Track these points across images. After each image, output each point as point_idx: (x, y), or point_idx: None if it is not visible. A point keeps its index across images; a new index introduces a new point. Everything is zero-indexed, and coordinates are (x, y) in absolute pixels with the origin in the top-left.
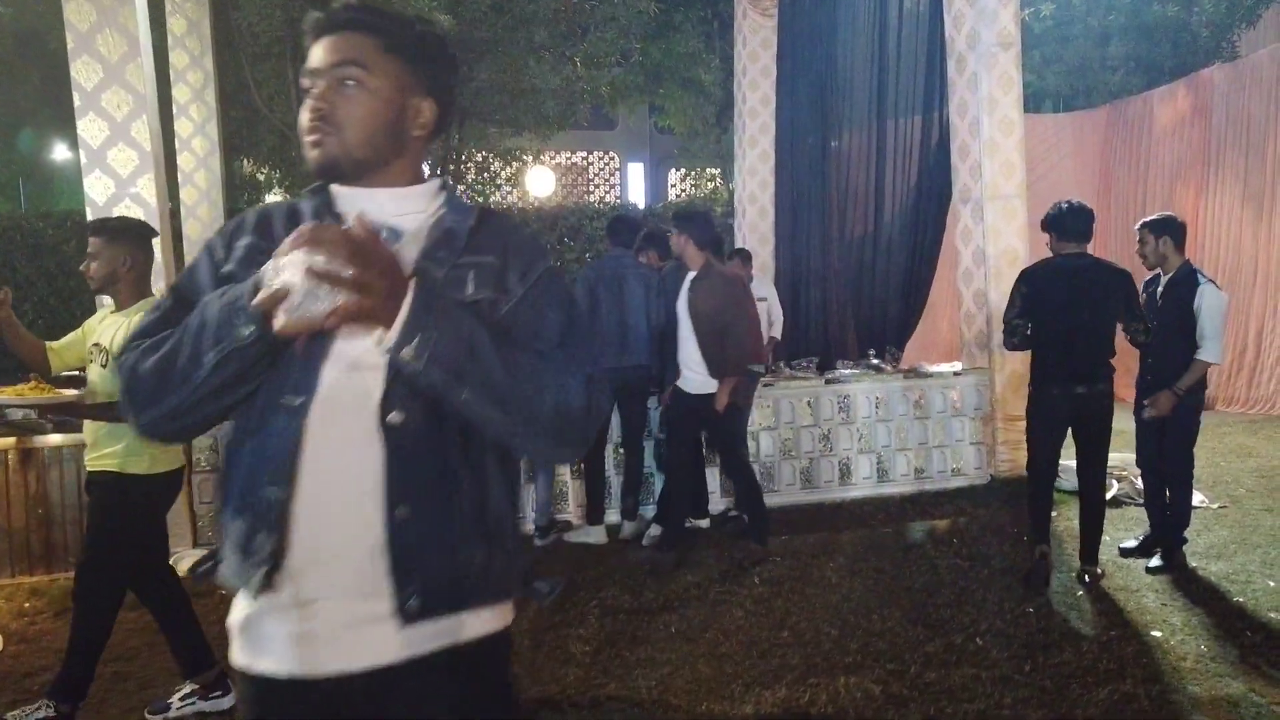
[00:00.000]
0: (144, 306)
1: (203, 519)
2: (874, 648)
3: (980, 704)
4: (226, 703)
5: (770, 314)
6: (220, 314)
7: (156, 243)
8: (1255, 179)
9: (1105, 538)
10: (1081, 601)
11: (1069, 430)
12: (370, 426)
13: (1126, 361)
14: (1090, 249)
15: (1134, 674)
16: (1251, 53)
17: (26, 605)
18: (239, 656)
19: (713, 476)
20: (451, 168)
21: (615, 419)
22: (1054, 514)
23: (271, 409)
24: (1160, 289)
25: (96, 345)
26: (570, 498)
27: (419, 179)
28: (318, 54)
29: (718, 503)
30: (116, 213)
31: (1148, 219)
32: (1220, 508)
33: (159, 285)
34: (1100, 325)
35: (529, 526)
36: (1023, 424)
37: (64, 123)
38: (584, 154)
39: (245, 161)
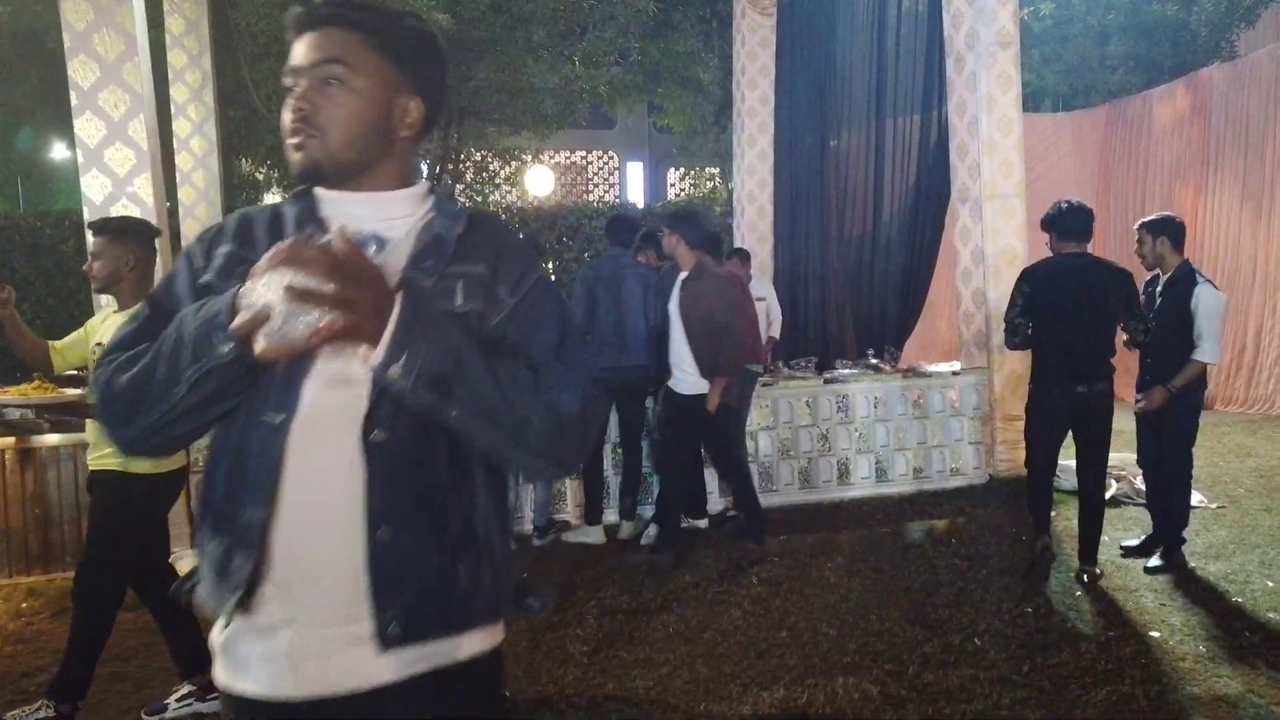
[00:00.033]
0: None
1: None
2: (872, 648)
3: (978, 705)
4: None
5: (769, 313)
6: (197, 331)
7: (158, 242)
8: (1254, 178)
9: (1104, 537)
10: (1080, 601)
11: (1068, 430)
12: (353, 445)
13: (1126, 361)
14: (1090, 248)
15: (1132, 674)
16: (1250, 52)
17: (24, 605)
18: (220, 675)
19: (711, 477)
20: (450, 167)
21: (613, 419)
22: (1053, 514)
23: (251, 426)
24: (1159, 288)
25: (99, 345)
26: (568, 497)
27: (407, 181)
28: (300, 51)
29: (716, 503)
30: (113, 212)
31: (1145, 219)
32: (1219, 508)
33: None
34: (1100, 325)
35: (527, 526)
36: (1021, 424)
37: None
38: (583, 153)
39: (243, 161)
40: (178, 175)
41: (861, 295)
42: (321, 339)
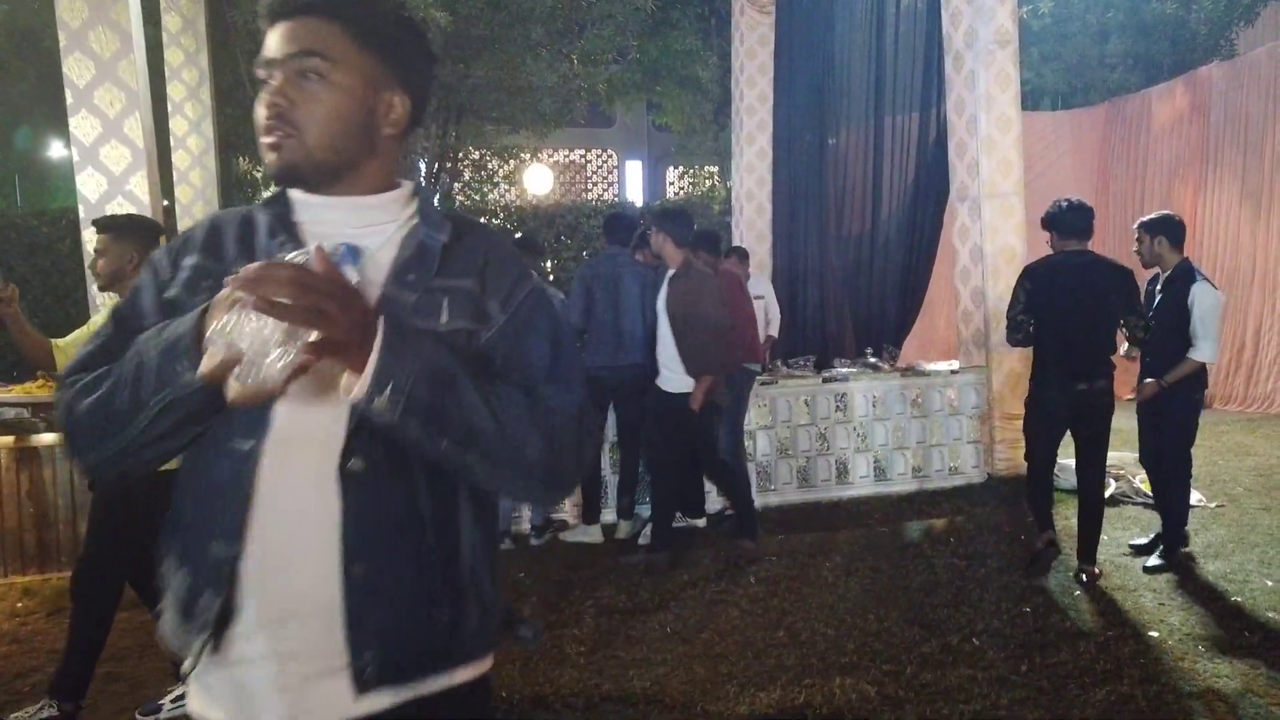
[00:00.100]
0: None
1: None
2: (870, 648)
3: (976, 705)
4: None
5: (767, 312)
6: (160, 358)
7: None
8: (1253, 177)
9: (1103, 536)
10: (1079, 601)
11: (1068, 427)
12: (328, 473)
13: (1127, 361)
14: (1090, 246)
15: (1131, 674)
16: (1249, 51)
17: (19, 605)
18: (193, 703)
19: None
20: (448, 166)
21: (611, 418)
22: (1052, 512)
23: (218, 453)
24: (1158, 286)
25: None
26: None
27: (390, 183)
28: (274, 41)
29: (715, 502)
30: (109, 210)
31: (1144, 219)
32: (1218, 506)
33: None
34: (1101, 322)
35: (525, 525)
36: (1020, 422)
37: (59, 120)
38: (582, 152)
39: (241, 159)
40: (175, 174)
41: (860, 294)
42: (299, 375)
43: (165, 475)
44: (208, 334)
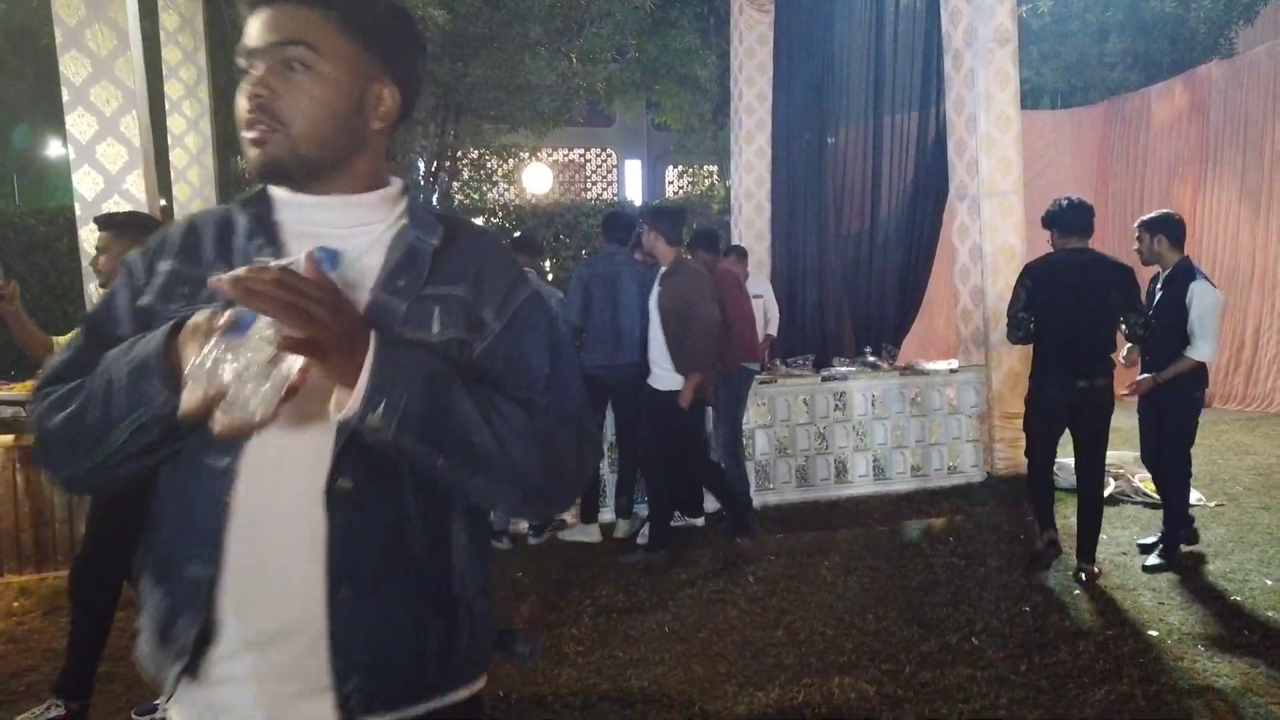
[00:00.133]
0: None
1: None
2: (869, 647)
3: (976, 704)
4: None
5: (766, 311)
6: (130, 378)
7: None
8: (1252, 176)
9: (1103, 535)
10: (1078, 600)
11: (1068, 425)
12: (312, 493)
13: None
14: (1091, 244)
15: (1131, 673)
16: (1249, 49)
17: (15, 604)
18: (174, 718)
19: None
20: (447, 164)
21: (609, 417)
22: (1053, 511)
23: (192, 470)
24: (1158, 285)
25: None
26: None
27: (378, 181)
28: (256, 29)
29: (713, 501)
30: (105, 208)
31: (1144, 217)
32: (1217, 506)
33: None
34: (1101, 320)
35: (523, 525)
36: (1019, 422)
37: (57, 119)
38: (581, 151)
39: (239, 158)
40: (172, 172)
41: (859, 293)
42: (289, 398)
43: None
44: (186, 369)
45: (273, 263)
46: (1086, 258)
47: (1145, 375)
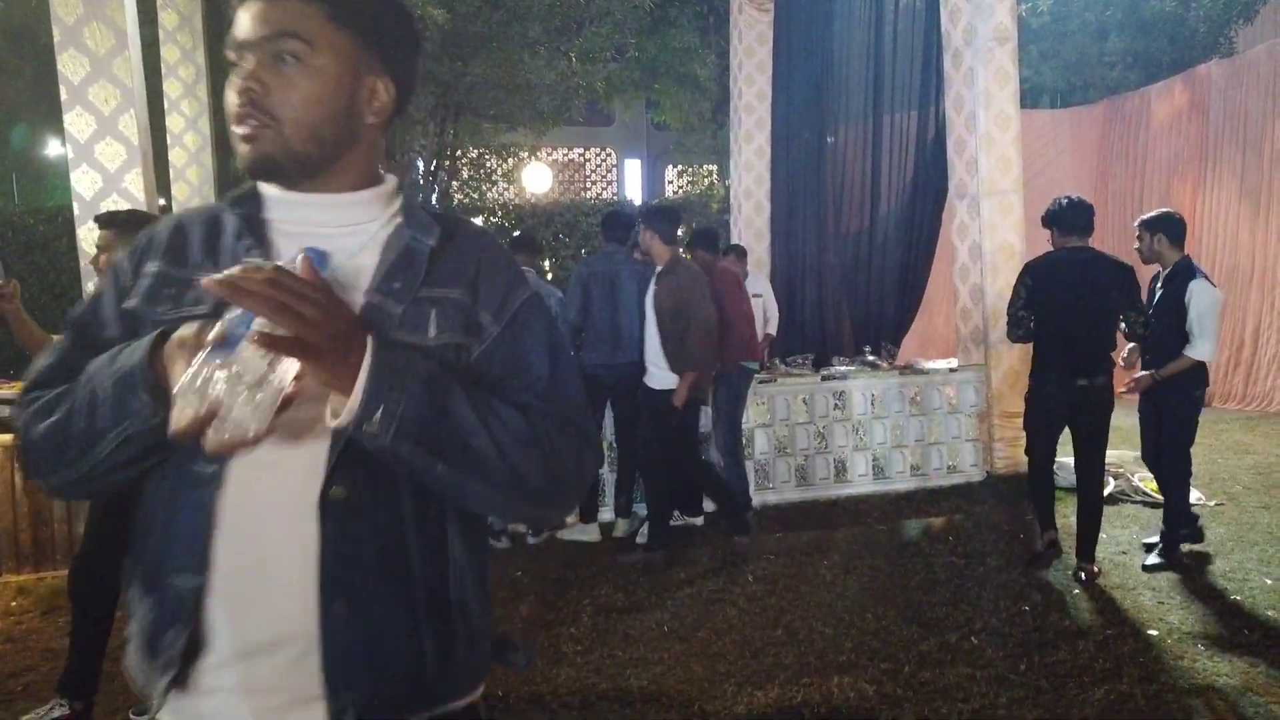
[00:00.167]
0: None
1: None
2: (868, 646)
3: (975, 704)
4: None
5: (765, 310)
6: (114, 390)
7: None
8: (1252, 175)
9: (1103, 535)
10: (1078, 599)
11: (1067, 423)
12: (304, 499)
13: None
14: (1091, 243)
15: (1130, 673)
16: (1248, 48)
17: (13, 604)
18: None
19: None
20: (446, 163)
21: (608, 416)
22: (1054, 511)
23: (178, 478)
24: (1159, 284)
25: None
26: None
27: (372, 178)
28: (246, 22)
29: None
30: (104, 207)
31: (1144, 216)
32: (1217, 505)
33: None
34: (1102, 319)
35: (522, 525)
36: (1019, 421)
37: (56, 118)
38: (580, 150)
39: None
40: (171, 171)
41: (859, 292)
42: (284, 410)
43: None
44: (175, 387)
45: (264, 263)
46: (1087, 256)
47: (1144, 373)
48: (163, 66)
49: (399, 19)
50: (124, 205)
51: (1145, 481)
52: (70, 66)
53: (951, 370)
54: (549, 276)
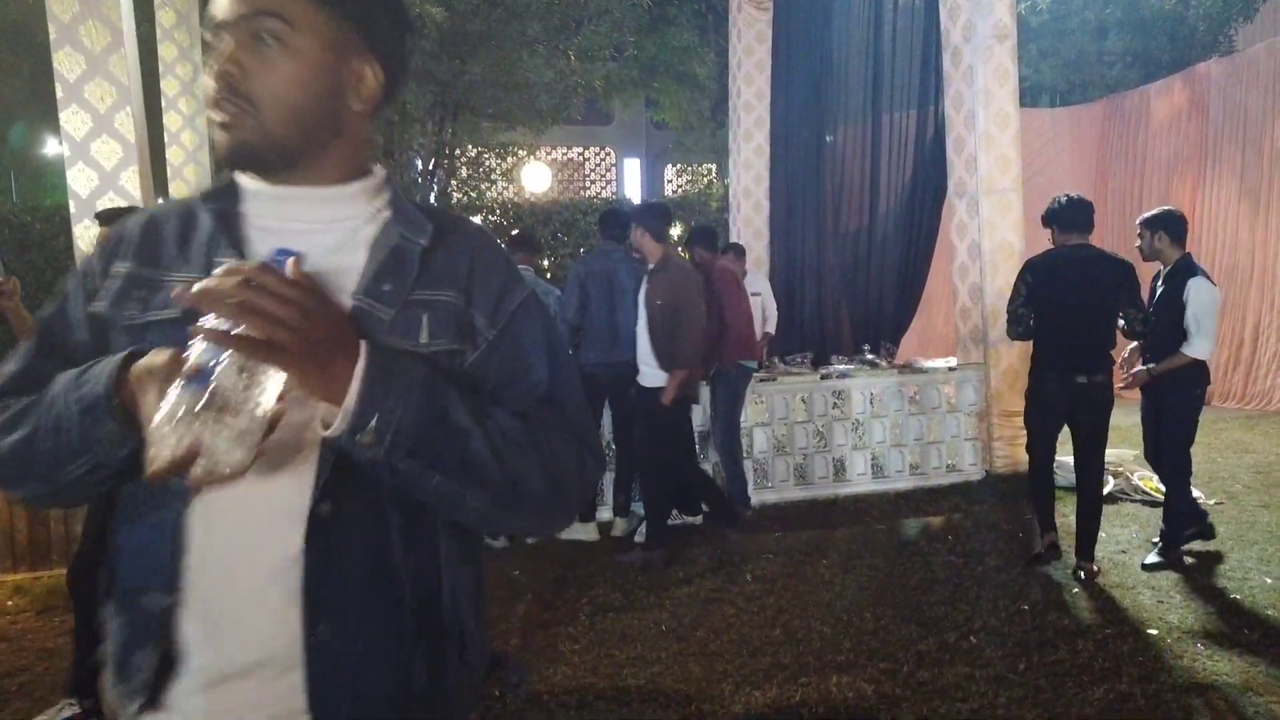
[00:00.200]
0: None
1: None
2: (867, 646)
3: (974, 703)
4: None
5: (764, 309)
6: (80, 418)
7: None
8: (1252, 174)
9: (1102, 534)
10: (1077, 598)
11: (1066, 421)
12: (285, 513)
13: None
14: (1091, 241)
15: (1130, 672)
16: (1248, 47)
17: (9, 603)
18: None
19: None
20: (444, 162)
21: (606, 414)
22: (1054, 512)
23: (149, 492)
24: (1159, 282)
25: None
26: None
27: (359, 169)
28: (224, 1)
29: None
30: (100, 205)
31: (1145, 214)
32: (1217, 504)
33: None
34: (1102, 316)
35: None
36: (1018, 419)
37: (54, 116)
38: (580, 149)
39: None
40: (169, 169)
41: (858, 290)
42: (270, 434)
43: None
44: (147, 426)
45: (241, 263)
46: (1087, 254)
47: (1140, 368)
48: (160, 65)
49: (388, 0)
50: (121, 203)
51: (1145, 480)
52: (66, 64)
53: (951, 369)
54: (548, 276)
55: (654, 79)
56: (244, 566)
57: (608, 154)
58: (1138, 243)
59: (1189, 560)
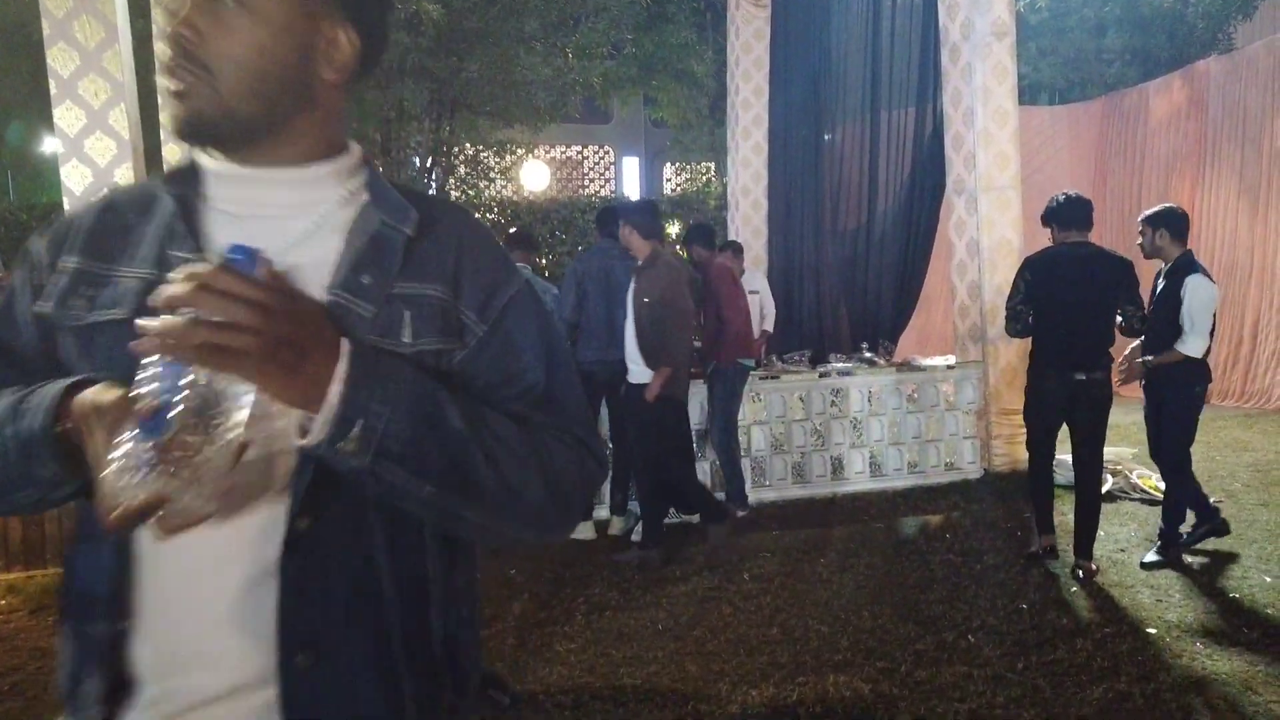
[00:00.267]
0: None
1: None
2: (864, 645)
3: (972, 703)
4: None
5: (762, 307)
6: (17, 456)
7: None
8: (1251, 171)
9: (1100, 532)
10: (1075, 597)
11: (1065, 418)
12: (259, 533)
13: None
14: (1090, 238)
15: (1129, 671)
16: (1247, 44)
17: (2, 602)
18: None
19: (702, 471)
20: (442, 160)
21: (603, 413)
22: (1053, 512)
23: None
24: (1160, 279)
25: None
26: None
27: (333, 146)
28: None
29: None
30: None
31: (1146, 212)
32: (1216, 502)
33: None
34: (1101, 313)
35: None
36: (1016, 417)
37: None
38: (579, 148)
39: None
40: (164, 166)
41: (856, 288)
42: (237, 461)
43: None
44: (101, 476)
45: (195, 269)
46: (1087, 251)
47: (1137, 360)
48: (158, 63)
49: None
50: None
51: (1144, 479)
52: (60, 60)
53: (949, 367)
54: (545, 274)
55: (652, 77)
56: (209, 588)
57: (606, 152)
58: (1139, 240)
59: (1195, 559)
